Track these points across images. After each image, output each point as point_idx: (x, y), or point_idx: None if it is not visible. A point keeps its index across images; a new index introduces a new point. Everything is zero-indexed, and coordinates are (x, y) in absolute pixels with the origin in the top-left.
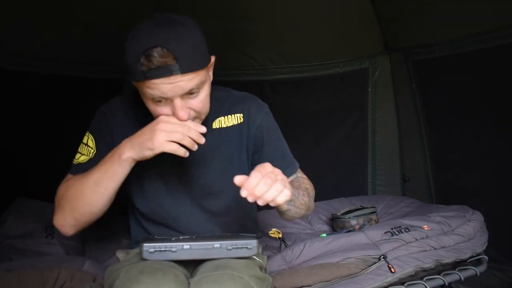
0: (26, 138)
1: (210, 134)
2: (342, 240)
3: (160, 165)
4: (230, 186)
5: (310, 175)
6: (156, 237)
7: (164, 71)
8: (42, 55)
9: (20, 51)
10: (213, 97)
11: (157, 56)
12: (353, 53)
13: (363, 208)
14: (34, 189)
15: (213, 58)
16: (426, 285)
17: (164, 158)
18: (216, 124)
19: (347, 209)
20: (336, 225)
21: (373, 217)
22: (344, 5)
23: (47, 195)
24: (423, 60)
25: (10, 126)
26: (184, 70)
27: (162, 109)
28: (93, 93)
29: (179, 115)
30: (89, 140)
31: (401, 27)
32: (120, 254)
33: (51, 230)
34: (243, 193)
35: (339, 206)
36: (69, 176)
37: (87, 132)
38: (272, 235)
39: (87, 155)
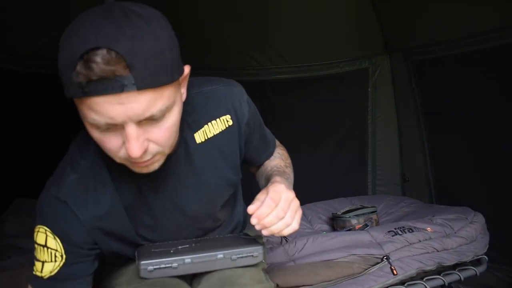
0: (26, 138)
1: (196, 151)
2: (345, 237)
3: (152, 219)
4: (225, 196)
5: (310, 175)
6: (152, 249)
7: (112, 86)
8: (42, 55)
9: (20, 51)
10: (184, 102)
11: (101, 62)
12: (353, 53)
13: (363, 207)
14: (34, 189)
15: (187, 69)
16: (426, 285)
17: (160, 196)
18: (200, 137)
19: (347, 209)
20: (336, 224)
21: (374, 216)
22: (344, 5)
23: None
24: (423, 60)
25: (10, 126)
26: (142, 85)
27: (110, 140)
28: None
29: (132, 150)
30: (48, 238)
31: (401, 27)
32: None
33: None
34: (253, 221)
35: (339, 206)
36: None
37: (38, 227)
38: None
39: (52, 261)
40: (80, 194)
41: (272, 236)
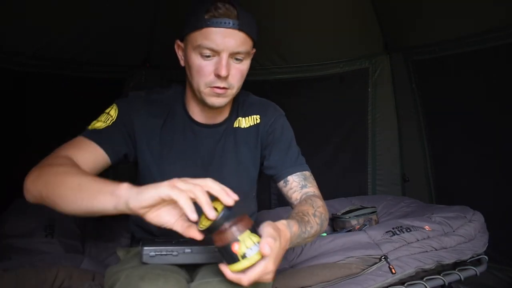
0: (26, 138)
1: (231, 133)
2: (343, 239)
3: (180, 162)
4: (241, 187)
5: None
6: (156, 239)
7: (225, 22)
8: (42, 55)
9: (20, 51)
10: (236, 98)
11: (224, 8)
12: (353, 53)
13: (363, 208)
14: None
15: (254, 50)
16: (426, 285)
17: (186, 157)
18: (236, 124)
19: (347, 209)
20: (336, 225)
21: (373, 217)
22: (344, 5)
23: None
24: (423, 60)
25: (10, 126)
26: (241, 28)
27: (206, 65)
28: (93, 93)
29: (222, 70)
30: (112, 110)
31: (401, 27)
32: (120, 252)
33: (51, 230)
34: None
35: (339, 206)
36: (78, 138)
37: (114, 103)
38: None
39: (104, 122)
40: (140, 103)
41: None
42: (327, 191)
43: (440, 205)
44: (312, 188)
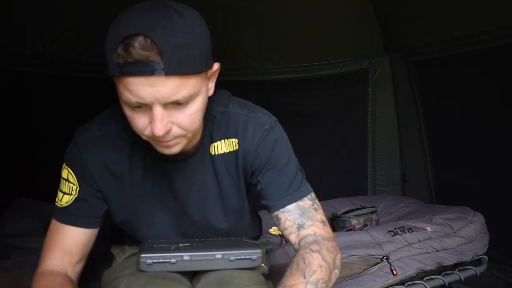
0: (26, 138)
1: (208, 161)
2: (345, 237)
3: (157, 205)
4: (228, 222)
5: (311, 175)
6: (154, 245)
7: (144, 68)
8: (42, 55)
9: (20, 51)
10: (209, 113)
11: (138, 47)
12: (353, 53)
13: (363, 207)
14: (34, 189)
15: (216, 66)
16: (426, 285)
17: (162, 191)
18: (213, 150)
19: (347, 209)
20: (336, 224)
21: (374, 217)
22: (344, 5)
23: (47, 195)
24: (423, 60)
25: (9, 126)
26: (170, 71)
27: (139, 118)
28: (93, 93)
29: (156, 129)
30: (69, 174)
31: (401, 27)
32: (115, 251)
33: None
34: None
35: (339, 206)
36: (54, 224)
37: (64, 165)
38: (273, 232)
39: (69, 194)
40: (95, 148)
41: (273, 237)
42: (327, 191)
43: (440, 206)
44: (312, 228)
